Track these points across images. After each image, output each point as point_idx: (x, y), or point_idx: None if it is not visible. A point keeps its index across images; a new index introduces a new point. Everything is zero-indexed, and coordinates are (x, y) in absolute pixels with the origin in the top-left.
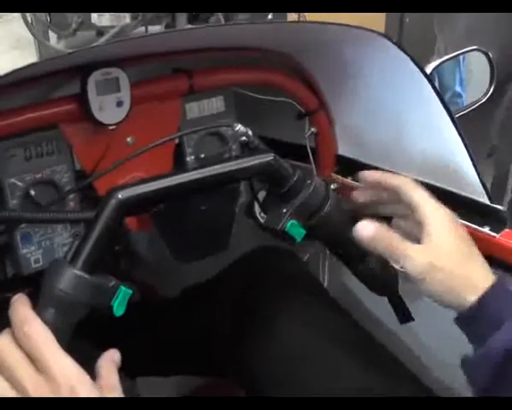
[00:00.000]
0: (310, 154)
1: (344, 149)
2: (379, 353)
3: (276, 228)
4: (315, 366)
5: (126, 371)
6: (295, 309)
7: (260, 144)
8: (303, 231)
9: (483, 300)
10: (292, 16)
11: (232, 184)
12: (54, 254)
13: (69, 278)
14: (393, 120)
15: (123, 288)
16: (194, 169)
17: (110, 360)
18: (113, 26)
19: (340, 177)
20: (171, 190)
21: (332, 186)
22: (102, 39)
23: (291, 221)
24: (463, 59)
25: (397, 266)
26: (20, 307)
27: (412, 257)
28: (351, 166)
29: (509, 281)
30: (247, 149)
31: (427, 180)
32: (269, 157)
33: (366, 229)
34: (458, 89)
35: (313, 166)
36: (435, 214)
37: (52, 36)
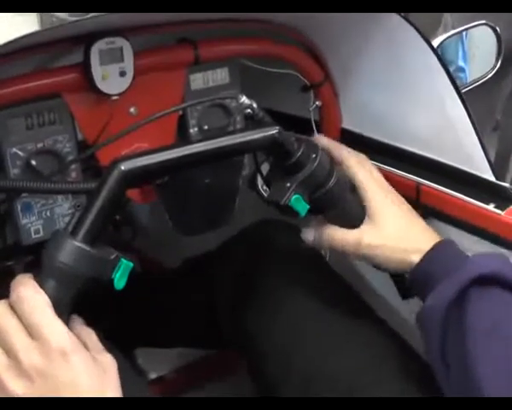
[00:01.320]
0: (314, 127)
1: (348, 123)
2: (379, 328)
3: (279, 202)
4: (316, 338)
5: (126, 342)
6: (296, 280)
7: (265, 117)
8: (307, 206)
9: (423, 261)
10: None
11: (236, 157)
12: (54, 225)
13: (70, 250)
14: (399, 93)
15: (124, 261)
16: (199, 141)
17: (82, 325)
18: None
19: None
20: (175, 162)
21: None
22: None
23: (295, 195)
24: (466, 33)
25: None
26: (21, 275)
27: (355, 243)
28: (355, 140)
29: (450, 242)
30: (251, 121)
31: (431, 155)
32: (274, 130)
33: (306, 234)
34: (461, 63)
35: None
36: (371, 191)
37: None
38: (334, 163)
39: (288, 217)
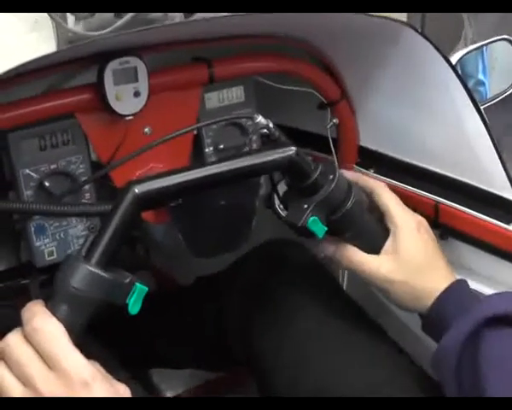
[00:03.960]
0: (331, 145)
1: (365, 140)
2: (389, 346)
3: (296, 224)
4: (325, 356)
5: (138, 362)
6: (306, 298)
7: (281, 136)
8: (324, 228)
9: (437, 302)
10: None
11: (253, 178)
12: (68, 247)
13: (83, 275)
14: (416, 110)
15: (138, 285)
16: (214, 163)
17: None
18: None
19: (362, 169)
20: (190, 184)
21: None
22: (120, 21)
23: (312, 217)
24: (486, 47)
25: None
26: (32, 304)
27: (372, 271)
28: (372, 158)
29: (463, 282)
30: (267, 141)
31: (450, 173)
32: (291, 151)
33: (326, 249)
34: (481, 77)
35: (335, 157)
36: (401, 222)
37: (70, 17)
38: (351, 184)
39: (304, 238)
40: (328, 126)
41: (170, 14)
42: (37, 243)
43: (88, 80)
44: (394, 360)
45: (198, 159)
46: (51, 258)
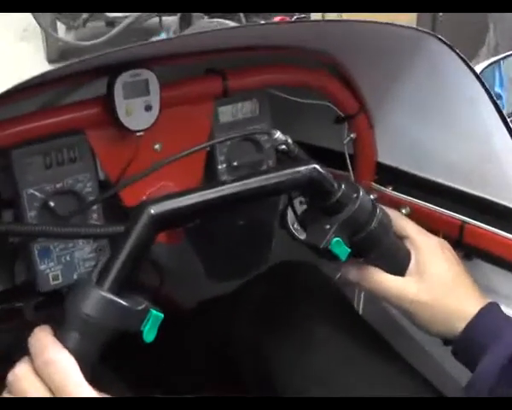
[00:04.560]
0: (348, 161)
1: (384, 156)
2: (405, 371)
3: (318, 246)
4: (339, 379)
5: (145, 389)
6: (320, 321)
7: (301, 153)
8: (348, 250)
9: (469, 327)
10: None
11: (272, 198)
12: (74, 270)
13: (95, 301)
14: (440, 124)
15: (154, 311)
16: (232, 182)
17: None
18: (124, 17)
19: (379, 186)
20: (209, 204)
21: (371, 197)
22: (113, 31)
23: (335, 238)
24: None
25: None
26: (40, 333)
27: (399, 293)
28: (391, 175)
29: (495, 305)
30: (284, 158)
31: (475, 191)
32: (312, 168)
33: (349, 271)
34: (498, 90)
35: (351, 174)
36: (423, 243)
37: (60, 27)
38: (375, 203)
39: (326, 260)
40: (345, 142)
41: (165, 18)
42: (42, 267)
43: (88, 94)
44: (409, 384)
45: (210, 176)
46: (56, 282)
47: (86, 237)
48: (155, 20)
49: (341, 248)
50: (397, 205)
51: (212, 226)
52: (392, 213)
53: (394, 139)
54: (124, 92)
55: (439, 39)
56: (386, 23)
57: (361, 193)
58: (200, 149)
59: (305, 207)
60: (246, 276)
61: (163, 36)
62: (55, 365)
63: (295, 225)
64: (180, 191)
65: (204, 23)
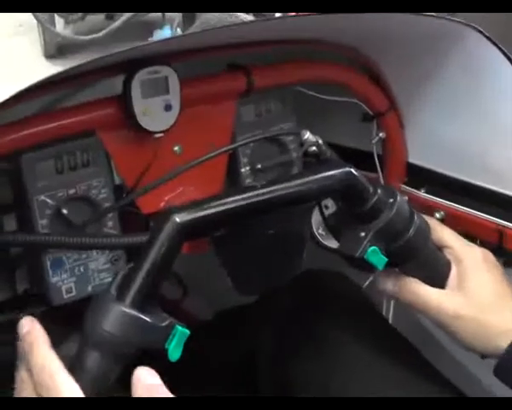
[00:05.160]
0: (377, 162)
1: (416, 157)
2: (438, 382)
3: (353, 255)
4: (369, 389)
5: None
6: (348, 330)
7: (333, 155)
8: (385, 259)
9: None
10: None
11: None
12: (88, 282)
13: (116, 317)
14: (477, 122)
15: (179, 328)
16: (262, 187)
17: None
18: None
19: (410, 189)
20: (237, 212)
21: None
22: (113, 24)
23: (371, 247)
24: None
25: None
26: (40, 346)
27: (440, 306)
28: (424, 177)
29: None
30: (314, 159)
31: None
32: (347, 172)
33: (387, 283)
34: None
35: (380, 175)
36: (465, 255)
37: (58, 21)
38: (412, 208)
39: (360, 270)
40: (374, 141)
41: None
42: (54, 279)
43: (96, 94)
44: (439, 391)
45: (233, 180)
46: (70, 295)
47: (106, 247)
48: (158, 13)
49: (378, 258)
50: (430, 209)
51: (240, 235)
52: (430, 221)
53: (426, 139)
54: (142, 91)
55: (479, 31)
56: (419, 14)
57: (398, 198)
58: (222, 152)
59: (330, 210)
60: (277, 286)
61: (167, 29)
62: (60, 395)
63: (320, 230)
64: (207, 198)
65: (213, 16)
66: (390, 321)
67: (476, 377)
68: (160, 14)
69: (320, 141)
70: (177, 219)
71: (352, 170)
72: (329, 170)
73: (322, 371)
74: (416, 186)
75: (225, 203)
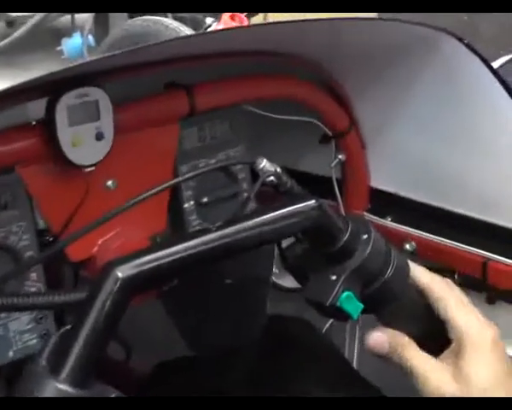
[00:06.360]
0: (336, 188)
1: (380, 181)
2: None
3: (323, 303)
4: None
5: None
6: (316, 381)
7: (294, 185)
8: (360, 305)
9: None
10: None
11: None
12: (9, 346)
13: (51, 395)
14: (453, 139)
15: None
16: (217, 230)
17: None
18: (29, 16)
19: (374, 217)
20: (190, 260)
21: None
22: (18, 32)
23: (345, 292)
24: None
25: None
26: None
27: (437, 385)
28: (389, 203)
29: None
30: (274, 191)
31: (500, 222)
32: (314, 207)
33: (377, 341)
34: None
35: (340, 203)
36: (473, 338)
37: None
38: (388, 244)
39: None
40: (333, 164)
41: (77, 16)
42: None
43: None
44: None
45: (176, 217)
46: None
47: (36, 307)
48: (67, 18)
49: (353, 305)
50: (398, 239)
51: (192, 288)
52: (434, 284)
53: (394, 160)
54: (68, 117)
55: (458, 38)
56: (392, 20)
57: (372, 233)
58: (164, 188)
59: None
60: (238, 344)
61: (77, 36)
62: None
63: (278, 271)
64: (153, 246)
65: (134, 23)
66: (354, 363)
67: None
68: (69, 20)
69: (279, 170)
70: (120, 274)
71: (321, 204)
72: (293, 204)
73: None
74: (381, 214)
75: (175, 252)
